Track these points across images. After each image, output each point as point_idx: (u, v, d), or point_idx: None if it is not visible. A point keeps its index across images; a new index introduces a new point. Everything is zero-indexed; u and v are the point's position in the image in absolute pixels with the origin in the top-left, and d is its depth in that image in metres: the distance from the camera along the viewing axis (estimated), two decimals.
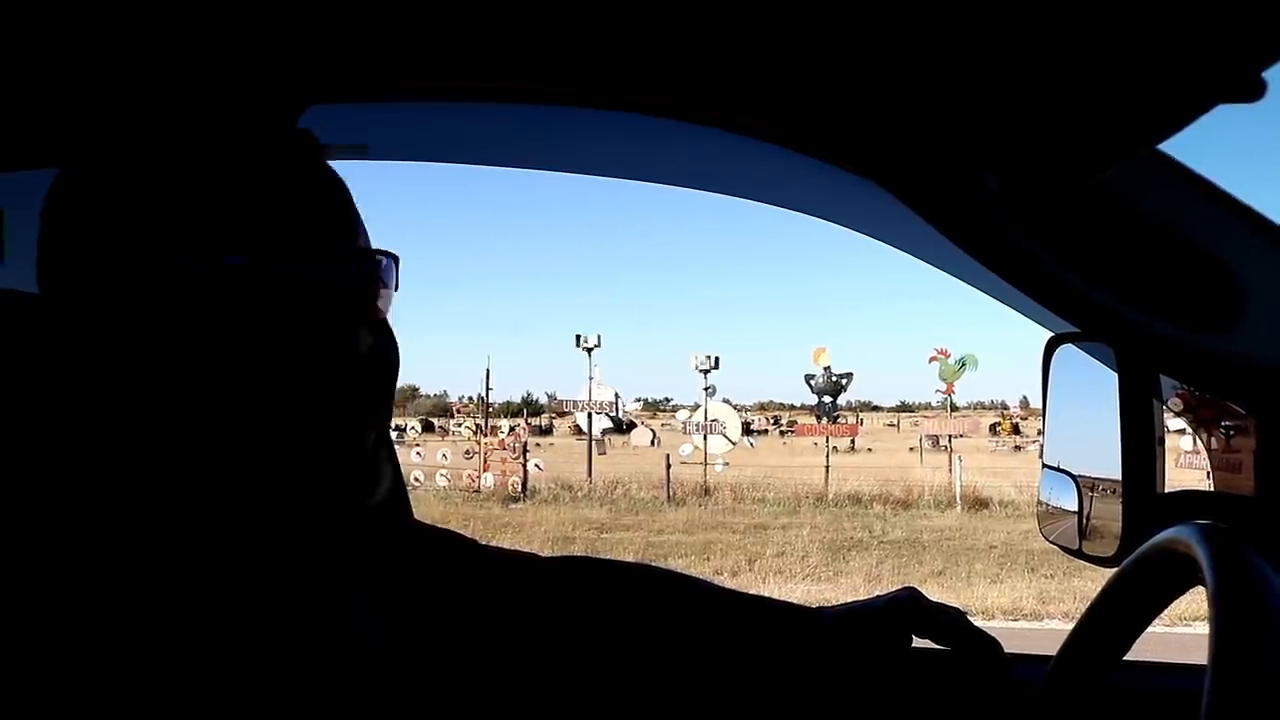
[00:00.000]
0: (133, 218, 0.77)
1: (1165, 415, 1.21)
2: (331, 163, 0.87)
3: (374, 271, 0.84)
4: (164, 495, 0.78)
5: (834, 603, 1.28)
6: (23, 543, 0.71)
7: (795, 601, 1.26)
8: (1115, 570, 0.96)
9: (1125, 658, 0.98)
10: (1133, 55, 0.86)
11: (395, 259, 0.86)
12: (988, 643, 1.19)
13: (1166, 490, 1.14)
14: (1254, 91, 0.79)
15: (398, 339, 0.87)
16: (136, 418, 0.78)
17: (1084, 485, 1.23)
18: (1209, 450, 1.28)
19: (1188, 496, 1.21)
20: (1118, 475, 1.13)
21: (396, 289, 0.87)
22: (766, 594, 1.23)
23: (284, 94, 1.11)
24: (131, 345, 0.77)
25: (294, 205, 0.81)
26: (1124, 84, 0.90)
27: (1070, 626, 1.01)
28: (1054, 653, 1.03)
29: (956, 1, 0.88)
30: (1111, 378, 1.14)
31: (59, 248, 0.80)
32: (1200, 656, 1.26)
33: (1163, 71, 0.85)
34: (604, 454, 28.83)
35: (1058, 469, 1.28)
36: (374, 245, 0.87)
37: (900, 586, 1.25)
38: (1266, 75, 0.78)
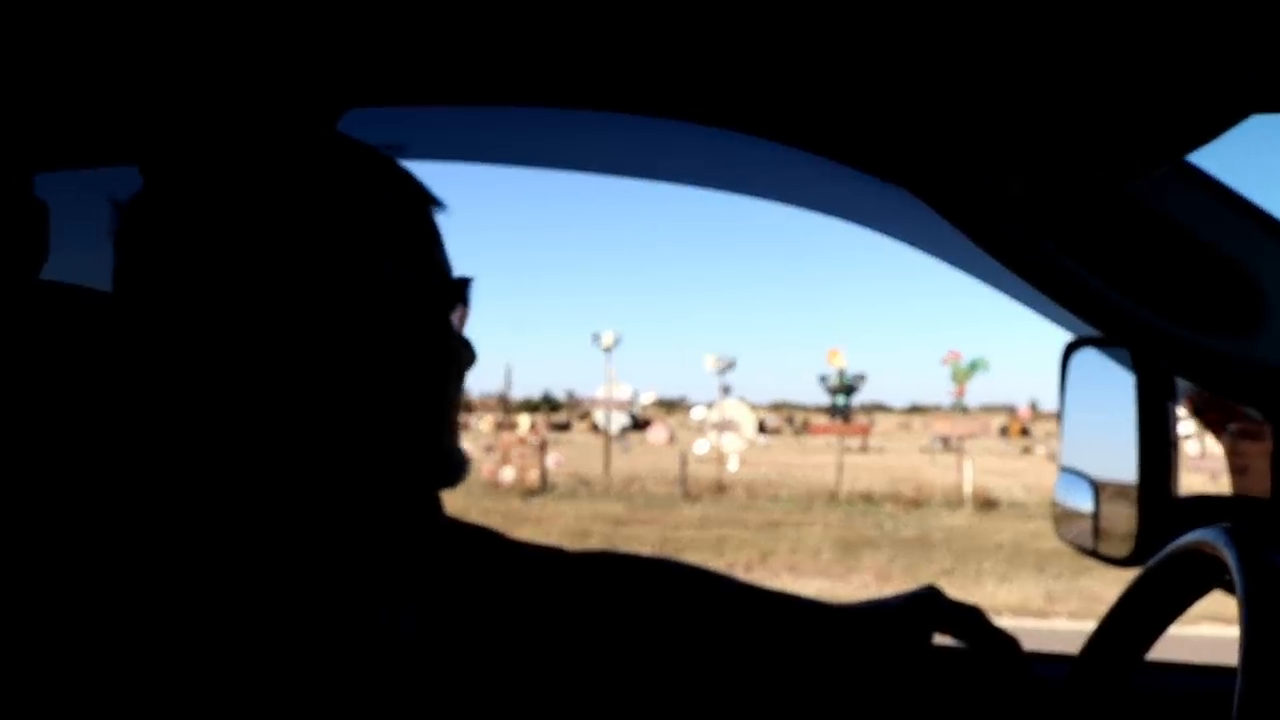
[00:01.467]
0: (237, 229, 0.82)
1: (1178, 419, 1.22)
2: None
3: (461, 290, 0.94)
4: (236, 491, 0.81)
5: (846, 599, 1.28)
6: (90, 537, 0.73)
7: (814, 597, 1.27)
8: (1140, 570, 0.96)
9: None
10: (1166, 62, 0.86)
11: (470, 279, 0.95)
12: (1007, 641, 1.19)
13: (1179, 494, 1.15)
14: None
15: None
16: (209, 418, 0.82)
17: (1099, 487, 1.24)
18: (1226, 454, 1.29)
19: (1203, 500, 1.22)
20: (1133, 478, 1.14)
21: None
22: (780, 589, 1.24)
23: (323, 99, 1.14)
24: (213, 348, 0.81)
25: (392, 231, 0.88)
26: (1157, 92, 0.90)
27: (1077, 626, 1.02)
28: (1062, 651, 1.03)
29: (986, 5, 0.89)
30: (1127, 381, 1.15)
31: (146, 250, 0.84)
32: (1205, 658, 1.28)
33: (1196, 80, 0.85)
34: (627, 450, 28.82)
35: (1074, 471, 1.29)
36: None
37: (920, 585, 1.25)
38: None
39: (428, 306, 0.89)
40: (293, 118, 0.97)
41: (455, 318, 0.94)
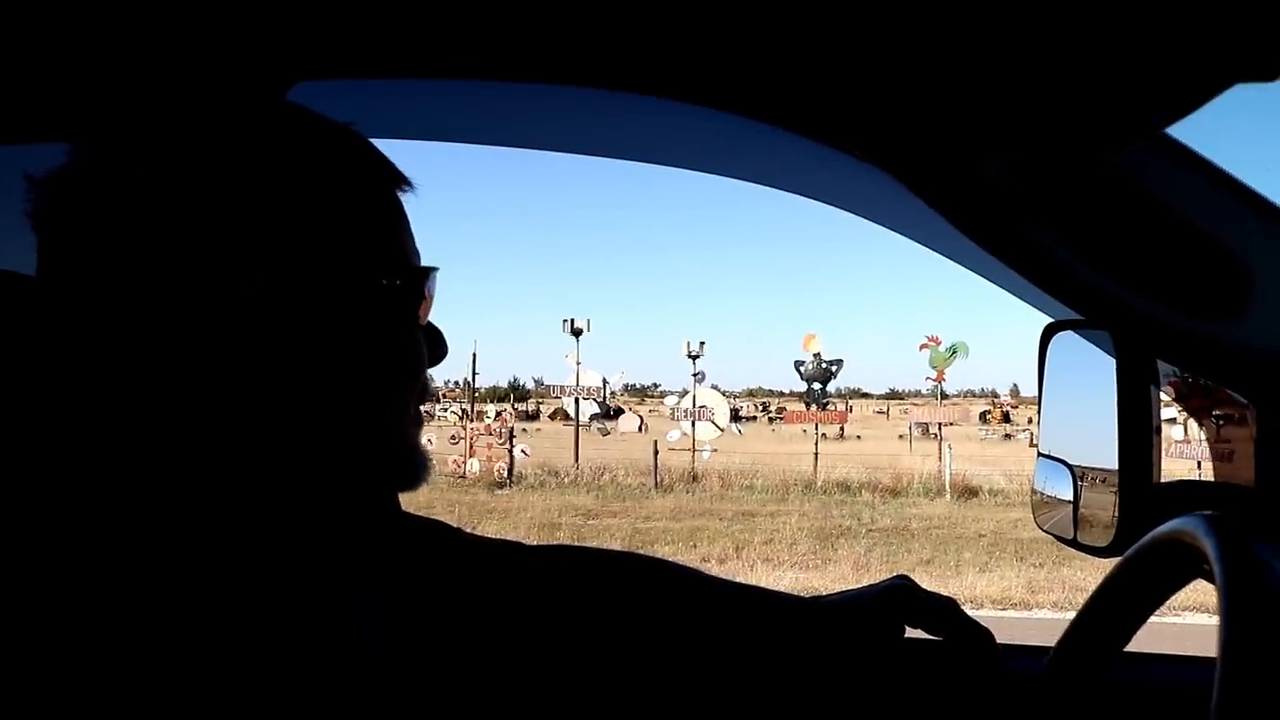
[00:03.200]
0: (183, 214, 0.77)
1: (1160, 404, 1.20)
2: None
3: (425, 282, 0.89)
4: (188, 489, 0.77)
5: (822, 591, 1.27)
6: (14, 534, 0.70)
7: (784, 590, 1.25)
8: (1118, 560, 0.95)
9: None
10: (1147, 33, 0.84)
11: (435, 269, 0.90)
12: (980, 633, 1.19)
13: (1161, 480, 1.13)
14: (1272, 71, 0.77)
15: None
16: (154, 408, 0.77)
17: (1079, 474, 1.22)
18: (1207, 440, 1.27)
19: (1184, 486, 1.21)
20: (1114, 464, 1.12)
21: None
22: (755, 581, 1.23)
23: (269, 71, 1.09)
24: (149, 335, 0.76)
25: (354, 220, 0.83)
26: (1138, 62, 0.88)
27: (1059, 616, 1.01)
28: (1045, 643, 1.03)
29: None
30: (1108, 366, 1.13)
31: (74, 236, 0.78)
32: (1186, 648, 1.27)
33: (1178, 48, 0.83)
34: (606, 434, 28.89)
35: (1053, 458, 1.27)
36: None
37: (892, 575, 1.24)
38: None
39: (390, 298, 0.84)
40: (236, 89, 0.91)
41: (419, 309, 0.90)
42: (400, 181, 0.88)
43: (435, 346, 0.92)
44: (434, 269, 0.89)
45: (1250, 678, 0.62)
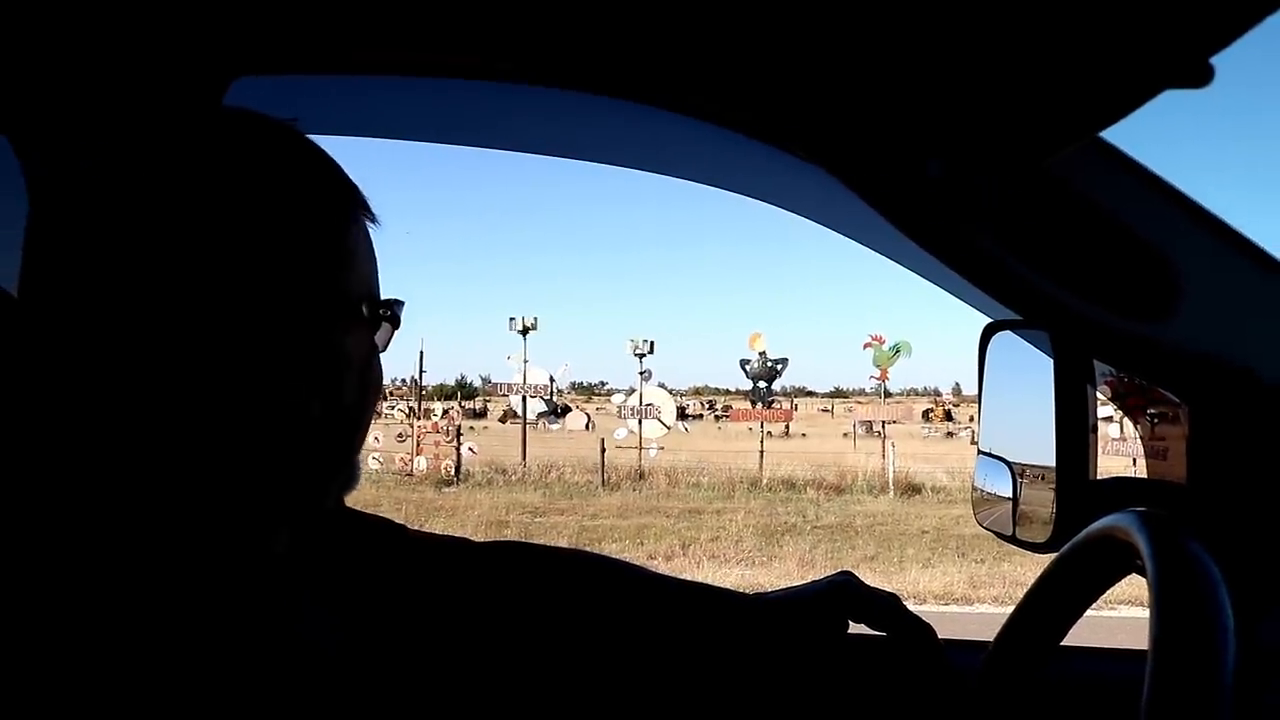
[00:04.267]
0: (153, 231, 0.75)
1: (1096, 402, 1.22)
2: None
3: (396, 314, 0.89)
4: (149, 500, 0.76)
5: (768, 587, 1.28)
6: None
7: (729, 587, 1.26)
8: (1053, 557, 0.96)
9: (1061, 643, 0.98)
10: (1081, 39, 0.85)
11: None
12: (922, 628, 1.20)
13: (1098, 477, 1.14)
14: (1201, 77, 0.79)
15: None
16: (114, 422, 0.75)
17: (1018, 471, 1.24)
18: (1142, 438, 1.29)
19: (1120, 483, 1.22)
20: (1052, 462, 1.14)
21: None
22: (701, 578, 1.23)
23: (209, 67, 1.08)
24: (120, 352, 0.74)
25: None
26: (1072, 68, 0.89)
27: (1000, 610, 1.02)
28: (986, 637, 1.03)
29: None
30: (1046, 365, 1.14)
31: (55, 252, 0.76)
32: (1123, 641, 1.29)
33: (1111, 55, 0.85)
34: (559, 430, 28.66)
35: (993, 455, 1.29)
36: None
37: (836, 571, 1.25)
38: (1214, 61, 0.78)
39: (325, 325, 0.81)
40: (174, 86, 0.89)
41: (381, 338, 0.89)
42: (358, 211, 0.85)
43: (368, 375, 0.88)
44: (398, 301, 0.89)
45: (1179, 670, 0.63)
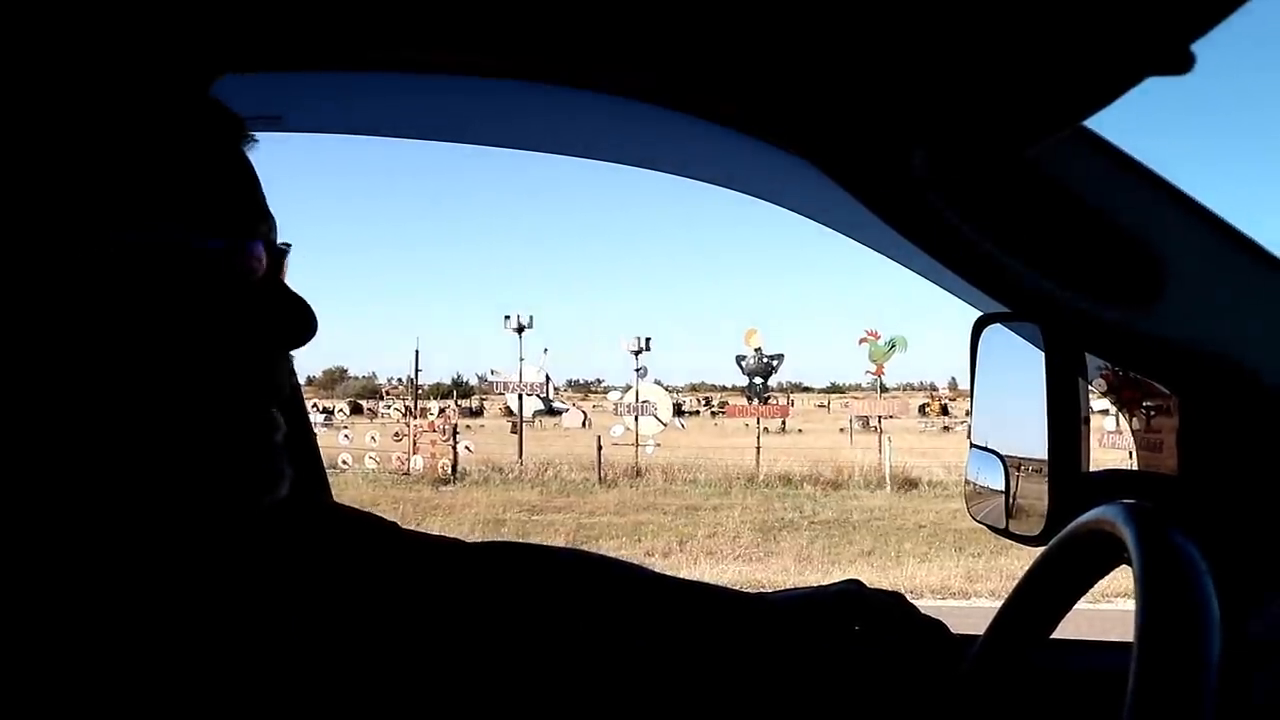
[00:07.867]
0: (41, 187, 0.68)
1: (1090, 395, 1.22)
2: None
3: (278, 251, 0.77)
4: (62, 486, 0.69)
5: (766, 583, 1.27)
6: None
7: (726, 584, 1.25)
8: (1041, 550, 0.96)
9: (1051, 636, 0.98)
10: (1063, 26, 0.85)
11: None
12: (934, 627, 1.19)
13: (1091, 470, 1.14)
14: (1183, 64, 0.79)
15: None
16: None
17: (1011, 465, 1.24)
18: (1132, 430, 1.29)
19: (1113, 476, 1.23)
20: (1044, 455, 1.14)
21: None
22: (698, 575, 1.22)
23: (196, 64, 1.07)
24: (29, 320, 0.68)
25: (203, 182, 0.73)
26: (1054, 55, 0.89)
27: (997, 604, 1.02)
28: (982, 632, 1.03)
29: None
30: (1038, 357, 1.14)
31: None
32: (1116, 633, 1.29)
33: (1093, 43, 0.85)
34: (557, 426, 28.49)
35: (985, 448, 1.29)
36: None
37: (841, 576, 1.23)
38: (1195, 48, 0.78)
39: (214, 275, 0.71)
40: (157, 84, 0.87)
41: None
42: (237, 133, 0.77)
43: (298, 325, 0.76)
44: (282, 245, 0.78)
45: (1162, 661, 0.63)
